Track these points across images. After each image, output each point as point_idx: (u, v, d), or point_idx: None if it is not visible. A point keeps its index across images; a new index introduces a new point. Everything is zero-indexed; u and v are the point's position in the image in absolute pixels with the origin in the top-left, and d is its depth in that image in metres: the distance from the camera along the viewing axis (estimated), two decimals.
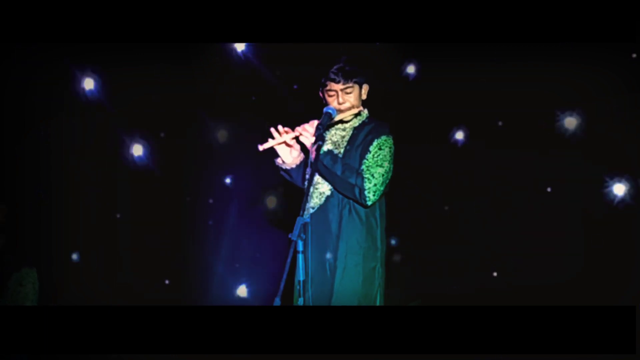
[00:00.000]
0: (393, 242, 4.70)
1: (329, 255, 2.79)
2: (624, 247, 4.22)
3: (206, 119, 4.86)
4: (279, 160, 2.97)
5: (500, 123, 4.65)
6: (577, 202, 4.43)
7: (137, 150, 4.72)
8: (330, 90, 2.86)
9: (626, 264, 4.18)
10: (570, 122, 4.44)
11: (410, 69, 4.68)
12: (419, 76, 4.56)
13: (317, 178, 2.84)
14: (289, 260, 2.34)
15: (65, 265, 4.47)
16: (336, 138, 2.91)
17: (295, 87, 4.87)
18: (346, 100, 2.85)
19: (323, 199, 2.84)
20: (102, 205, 4.72)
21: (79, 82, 4.47)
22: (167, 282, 4.84)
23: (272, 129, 2.83)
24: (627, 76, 4.21)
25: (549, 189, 4.60)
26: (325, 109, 2.80)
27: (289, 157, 2.93)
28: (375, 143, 2.80)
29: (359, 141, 2.85)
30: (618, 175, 4.32)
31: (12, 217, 4.33)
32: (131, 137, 4.69)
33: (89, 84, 4.51)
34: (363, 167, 2.78)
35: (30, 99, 4.40)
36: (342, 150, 2.87)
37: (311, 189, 2.80)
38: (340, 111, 2.84)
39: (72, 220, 4.54)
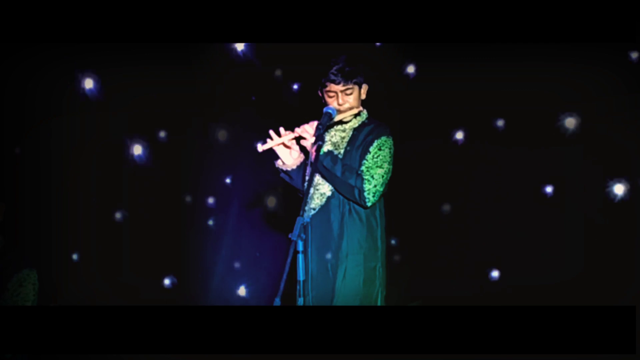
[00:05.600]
0: (393, 242, 4.70)
1: (330, 256, 2.79)
2: (624, 247, 4.23)
3: (206, 119, 4.86)
4: (278, 162, 2.96)
5: (500, 123, 4.65)
6: (577, 202, 4.43)
7: (137, 150, 4.71)
8: (330, 91, 2.85)
9: (626, 264, 4.18)
10: (570, 122, 4.44)
11: (410, 69, 4.68)
12: (419, 76, 4.56)
13: (318, 179, 2.84)
14: (289, 260, 2.34)
15: (65, 265, 4.46)
16: (336, 139, 2.91)
17: (295, 87, 4.87)
18: (346, 101, 2.85)
19: (324, 200, 2.84)
20: (102, 205, 4.72)
21: (78, 82, 4.46)
22: (167, 282, 4.83)
23: (272, 132, 2.83)
24: (627, 76, 4.22)
25: (549, 189, 4.60)
26: (325, 109, 2.80)
27: (289, 159, 2.92)
28: (375, 144, 2.80)
29: (359, 142, 2.85)
30: (618, 175, 4.32)
31: (12, 217, 4.32)
32: (131, 137, 4.69)
33: (88, 84, 4.50)
34: (363, 168, 2.77)
35: (30, 98, 4.39)
36: (342, 151, 2.86)
37: (312, 190, 2.80)
38: (340, 112, 2.84)
39: (72, 220, 4.53)
